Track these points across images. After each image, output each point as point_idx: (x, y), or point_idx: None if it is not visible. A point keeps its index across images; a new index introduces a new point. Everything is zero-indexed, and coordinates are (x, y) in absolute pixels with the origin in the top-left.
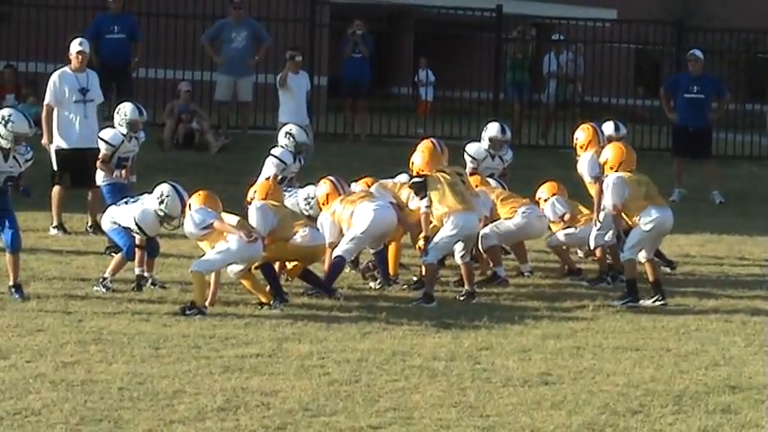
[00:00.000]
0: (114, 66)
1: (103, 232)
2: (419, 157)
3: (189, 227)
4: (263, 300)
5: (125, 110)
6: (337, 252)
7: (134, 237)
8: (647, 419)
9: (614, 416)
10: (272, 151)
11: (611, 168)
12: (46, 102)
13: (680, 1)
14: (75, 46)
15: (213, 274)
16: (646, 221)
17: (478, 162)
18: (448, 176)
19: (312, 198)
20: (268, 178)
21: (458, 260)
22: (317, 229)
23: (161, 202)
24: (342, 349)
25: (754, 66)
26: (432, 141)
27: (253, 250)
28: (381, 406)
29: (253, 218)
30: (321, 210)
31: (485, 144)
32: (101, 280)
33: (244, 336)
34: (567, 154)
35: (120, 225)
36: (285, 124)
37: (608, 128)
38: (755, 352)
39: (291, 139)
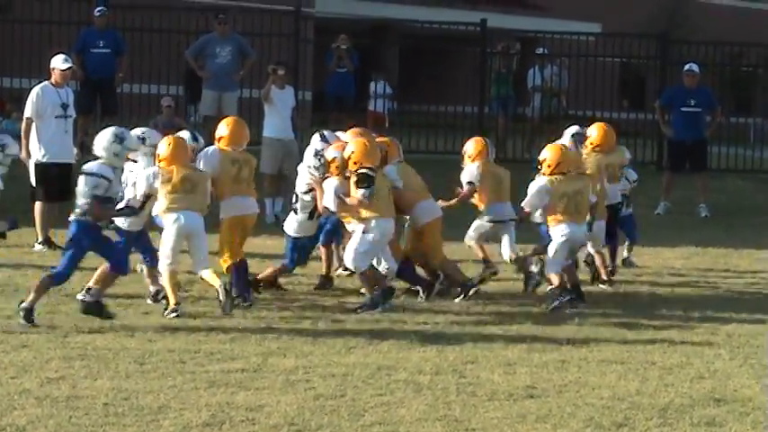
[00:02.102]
0: (99, 80)
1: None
2: (356, 149)
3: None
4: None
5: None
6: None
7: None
8: None
9: (599, 429)
10: None
11: (549, 167)
12: (26, 115)
13: (666, 14)
14: (61, 63)
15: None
16: (558, 234)
17: None
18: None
19: (320, 155)
20: None
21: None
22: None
23: (144, 141)
24: (327, 363)
25: (738, 79)
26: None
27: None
28: (367, 420)
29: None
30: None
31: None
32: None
33: (229, 350)
34: None
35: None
36: (269, 138)
37: (571, 129)
38: (740, 365)
39: None
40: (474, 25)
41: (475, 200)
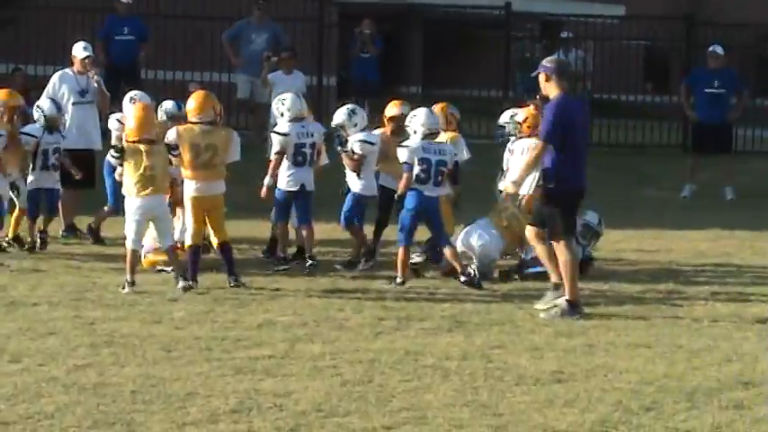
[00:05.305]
0: (123, 67)
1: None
2: (132, 122)
3: None
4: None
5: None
6: None
7: None
8: (661, 416)
9: (627, 413)
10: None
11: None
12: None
13: None
14: (81, 51)
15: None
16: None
17: None
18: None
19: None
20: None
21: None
22: None
23: None
24: (354, 350)
25: (764, 61)
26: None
27: None
28: (394, 406)
29: None
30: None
31: None
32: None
33: (256, 337)
34: None
35: None
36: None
37: None
38: None
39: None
40: (498, 9)
41: None
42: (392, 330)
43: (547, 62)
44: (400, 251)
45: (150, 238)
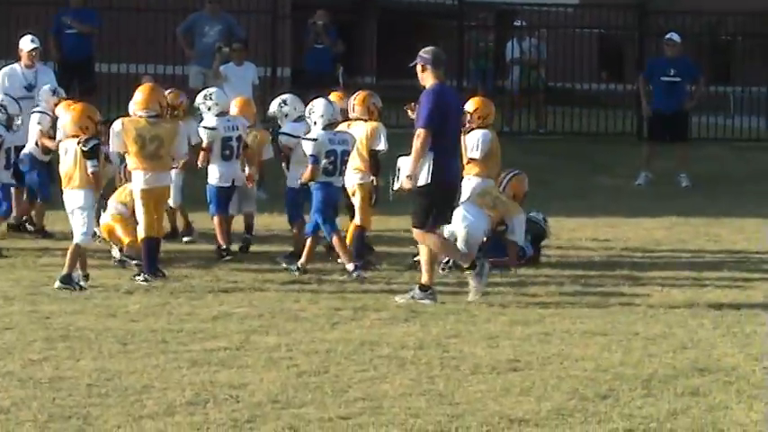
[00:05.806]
0: (75, 62)
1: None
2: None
3: None
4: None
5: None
6: None
7: None
8: (617, 403)
9: (583, 401)
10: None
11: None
12: None
13: None
14: (28, 44)
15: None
16: None
17: None
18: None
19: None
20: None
21: None
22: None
23: None
24: (310, 340)
25: (717, 48)
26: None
27: None
28: (350, 396)
29: None
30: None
31: None
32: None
33: (211, 329)
34: (533, 140)
35: None
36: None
37: None
38: (723, 334)
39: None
40: None
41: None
42: (348, 321)
43: (423, 53)
44: (335, 241)
45: (112, 206)
